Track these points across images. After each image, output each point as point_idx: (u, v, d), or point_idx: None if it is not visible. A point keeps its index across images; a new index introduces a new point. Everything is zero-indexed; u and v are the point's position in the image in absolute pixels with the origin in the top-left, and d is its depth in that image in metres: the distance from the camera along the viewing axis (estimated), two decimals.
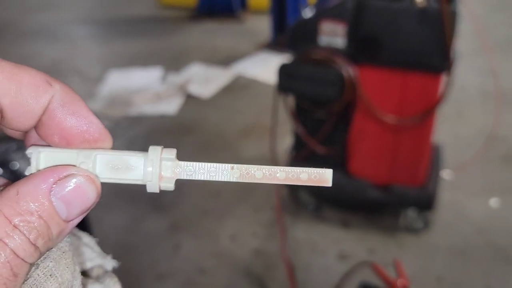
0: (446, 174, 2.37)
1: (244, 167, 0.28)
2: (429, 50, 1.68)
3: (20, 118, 0.25)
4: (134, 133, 2.86)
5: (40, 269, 0.25)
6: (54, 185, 0.24)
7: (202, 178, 0.27)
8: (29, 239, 0.23)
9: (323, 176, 0.28)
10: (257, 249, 1.99)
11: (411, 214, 2.03)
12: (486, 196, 2.25)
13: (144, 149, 0.28)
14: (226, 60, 3.86)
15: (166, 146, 0.28)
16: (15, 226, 0.23)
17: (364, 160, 2.01)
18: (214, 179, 0.27)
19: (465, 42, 3.53)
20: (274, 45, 3.87)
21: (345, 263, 1.89)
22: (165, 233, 2.09)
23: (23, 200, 0.23)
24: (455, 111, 2.96)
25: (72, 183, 0.25)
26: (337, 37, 1.75)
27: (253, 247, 2.00)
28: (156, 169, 0.26)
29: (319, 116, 1.91)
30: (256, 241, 2.03)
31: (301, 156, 2.05)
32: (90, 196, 0.25)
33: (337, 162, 2.04)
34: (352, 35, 1.73)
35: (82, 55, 4.15)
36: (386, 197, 1.99)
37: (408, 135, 1.89)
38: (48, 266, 0.25)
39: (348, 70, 1.74)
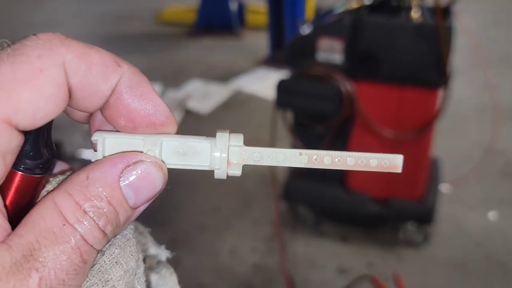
0: (444, 187, 2.38)
1: (312, 152, 0.26)
2: (425, 65, 1.71)
3: (88, 99, 0.24)
4: None
5: (106, 256, 0.25)
6: (123, 172, 0.24)
7: (269, 164, 0.26)
8: (98, 225, 0.23)
9: (393, 162, 0.27)
10: (257, 264, 1.99)
11: (410, 228, 2.03)
12: (484, 209, 2.26)
13: None
14: (224, 76, 3.89)
15: None
16: (85, 212, 0.23)
17: (362, 175, 2.02)
18: (281, 165, 0.26)
19: (461, 57, 3.57)
20: (272, 61, 3.90)
21: (344, 278, 1.89)
22: (164, 248, 2.08)
23: (93, 185, 0.23)
24: (453, 125, 2.98)
25: (140, 170, 0.24)
26: (334, 53, 1.78)
27: (253, 262, 1.99)
28: (224, 154, 0.26)
29: (318, 132, 1.93)
30: (256, 256, 2.03)
31: (300, 171, 2.06)
32: (157, 183, 0.25)
33: (335, 177, 2.05)
34: (350, 51, 1.76)
35: None
36: (385, 211, 2.00)
37: (407, 149, 1.90)
38: (114, 253, 0.25)
39: (346, 86, 1.76)
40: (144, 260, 0.29)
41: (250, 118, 3.21)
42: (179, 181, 2.29)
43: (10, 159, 0.23)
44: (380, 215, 2.02)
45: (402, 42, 1.70)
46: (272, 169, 2.15)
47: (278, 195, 2.12)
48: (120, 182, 0.24)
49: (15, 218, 0.23)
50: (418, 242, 2.05)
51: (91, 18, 5.76)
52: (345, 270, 1.94)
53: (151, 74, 3.96)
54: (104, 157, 0.25)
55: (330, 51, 1.78)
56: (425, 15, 1.73)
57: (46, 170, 0.26)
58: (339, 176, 2.05)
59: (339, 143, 1.94)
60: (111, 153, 0.25)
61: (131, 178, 0.24)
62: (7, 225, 0.23)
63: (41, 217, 0.22)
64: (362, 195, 2.02)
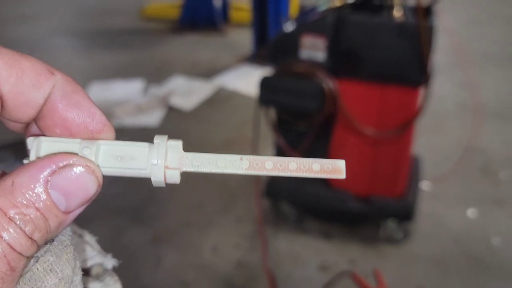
0: (425, 185, 2.41)
1: (253, 158, 0.26)
2: (407, 64, 1.72)
3: (20, 108, 0.24)
4: None
5: (40, 263, 0.24)
6: (51, 175, 0.23)
7: (209, 171, 0.26)
8: (25, 232, 0.22)
9: (336, 166, 0.26)
10: (239, 260, 1.99)
11: (391, 225, 2.06)
12: (464, 207, 2.30)
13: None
14: (207, 73, 3.87)
15: None
16: (10, 219, 0.22)
17: None
18: (222, 172, 0.26)
19: (443, 56, 3.61)
20: (256, 58, 3.91)
21: (326, 274, 1.91)
22: (147, 245, 2.08)
23: (19, 191, 0.22)
24: (434, 123, 3.02)
25: (70, 173, 0.23)
26: (317, 51, 1.78)
27: (235, 259, 2.00)
28: (162, 160, 0.25)
29: (301, 129, 1.94)
30: (238, 253, 2.03)
31: None
32: (90, 187, 0.24)
33: None
34: (332, 49, 1.77)
35: (61, 68, 4.11)
36: (366, 208, 2.02)
37: (388, 147, 1.93)
38: (48, 260, 0.24)
39: (329, 83, 1.77)
40: (89, 270, 0.29)
41: (233, 115, 3.21)
42: None
43: None
44: (362, 212, 2.04)
45: (384, 40, 1.71)
46: None
47: (261, 192, 2.12)
48: (48, 187, 0.23)
49: None
50: (399, 239, 2.08)
51: (75, 13, 5.69)
52: (327, 267, 1.96)
53: (134, 69, 3.93)
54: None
55: (313, 48, 1.78)
56: (407, 14, 1.75)
57: None
58: None
59: (322, 140, 1.95)
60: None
61: (60, 182, 0.23)
62: None
63: None
64: (344, 192, 2.03)
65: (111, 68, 4.03)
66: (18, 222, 0.22)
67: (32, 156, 0.25)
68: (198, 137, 2.97)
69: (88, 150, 0.25)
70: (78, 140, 0.25)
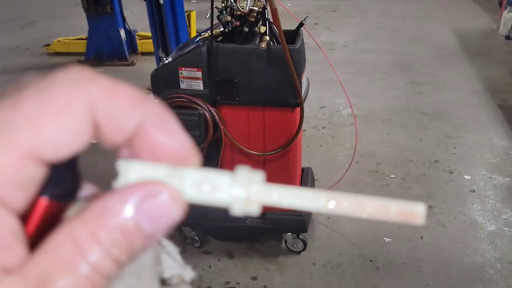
0: None
1: (333, 195, 0.25)
2: (279, 88, 1.84)
3: (113, 133, 0.25)
4: None
5: (121, 285, 0.25)
6: (140, 202, 0.24)
7: (288, 205, 0.26)
8: (111, 254, 0.23)
9: (414, 210, 0.24)
10: None
11: (289, 237, 2.16)
12: None
13: None
14: None
15: None
16: (99, 241, 0.23)
17: None
18: (299, 208, 0.26)
19: (338, 69, 3.83)
20: None
21: None
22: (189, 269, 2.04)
23: (108, 215, 0.24)
24: (330, 134, 3.20)
25: (158, 201, 0.25)
26: (196, 80, 1.87)
27: None
28: (244, 191, 0.26)
29: None
30: None
31: None
32: (174, 214, 0.25)
33: None
34: (209, 78, 1.85)
35: None
36: (263, 224, 2.11)
37: (275, 164, 2.03)
38: (129, 281, 0.25)
39: (210, 112, 1.85)
40: (166, 281, 0.30)
41: None
42: None
43: (33, 190, 0.24)
44: (260, 228, 2.13)
45: (255, 66, 1.82)
46: None
47: None
48: (136, 212, 0.24)
49: (37, 245, 0.23)
50: (299, 250, 2.18)
51: None
52: (232, 287, 2.02)
53: None
54: (126, 185, 0.25)
55: (191, 79, 1.86)
56: (274, 40, 1.88)
57: (69, 197, 0.26)
58: None
59: (214, 163, 2.02)
60: (134, 181, 0.25)
61: (148, 209, 0.24)
62: (25, 254, 0.23)
63: (57, 245, 0.23)
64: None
65: None
66: (106, 245, 0.23)
67: (122, 180, 0.26)
68: (105, 170, 2.96)
69: (174, 177, 0.25)
70: (165, 166, 0.26)
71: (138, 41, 4.93)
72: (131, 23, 5.03)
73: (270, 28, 1.88)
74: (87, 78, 0.25)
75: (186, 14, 3.82)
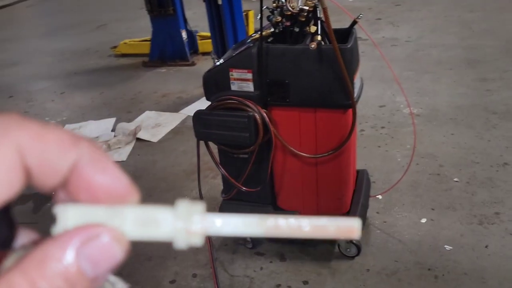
0: (377, 197, 2.47)
1: (268, 219, 0.26)
2: (331, 88, 1.79)
3: (46, 177, 0.25)
4: None
5: None
6: (80, 246, 0.24)
7: (230, 233, 0.26)
8: None
9: (350, 226, 0.26)
10: None
11: (342, 242, 2.11)
12: (416, 215, 2.34)
13: None
14: (177, 104, 3.96)
15: None
16: None
17: (290, 194, 2.09)
18: (242, 234, 0.26)
19: (400, 66, 3.70)
20: None
21: None
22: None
23: (49, 262, 0.23)
24: (389, 134, 3.08)
25: (99, 243, 0.24)
26: (246, 82, 1.86)
27: None
28: (185, 224, 0.26)
29: (242, 156, 2.00)
30: (196, 283, 2.07)
31: (231, 197, 2.13)
32: (117, 254, 0.25)
33: (266, 199, 2.11)
34: (260, 79, 1.84)
35: (36, 110, 4.22)
36: None
37: (328, 167, 1.98)
38: None
39: (260, 113, 1.84)
40: None
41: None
42: None
43: None
44: None
45: (306, 67, 1.78)
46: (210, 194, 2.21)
47: None
48: (78, 257, 0.24)
49: None
50: (352, 255, 2.12)
51: (53, 57, 5.81)
52: None
53: (106, 108, 4.02)
54: (65, 230, 0.25)
55: (241, 80, 1.86)
56: (326, 40, 1.83)
57: (5, 246, 0.26)
58: (270, 198, 2.12)
59: (265, 165, 2.00)
60: (73, 225, 0.25)
61: (89, 252, 0.24)
62: None
63: None
64: (294, 213, 2.08)
65: (84, 108, 4.12)
66: None
67: (60, 225, 0.25)
68: (163, 168, 3.04)
69: (114, 217, 0.25)
70: (103, 207, 0.26)
71: (199, 42, 5.02)
72: (193, 24, 5.14)
73: (322, 28, 1.83)
74: (15, 124, 0.24)
75: (244, 13, 3.83)
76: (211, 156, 2.03)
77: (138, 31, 5.89)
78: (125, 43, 5.35)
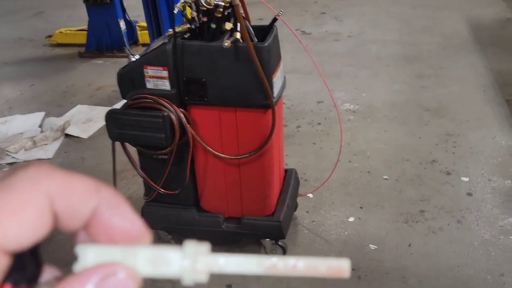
0: (308, 195, 2.44)
1: (267, 260, 0.29)
2: (249, 88, 1.72)
3: (71, 221, 0.28)
4: None
5: None
6: (99, 282, 0.26)
7: (232, 272, 0.29)
8: None
9: (341, 267, 0.29)
10: None
11: (267, 243, 2.06)
12: (345, 214, 2.33)
13: None
14: (112, 98, 3.80)
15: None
16: None
17: (213, 196, 2.02)
18: (243, 272, 0.29)
19: (341, 61, 3.69)
20: None
21: None
22: None
23: None
24: (324, 131, 3.06)
25: (115, 280, 0.27)
26: (162, 80, 1.76)
27: None
28: (192, 263, 0.28)
29: (160, 157, 1.91)
30: None
31: (152, 198, 2.04)
32: None
33: (189, 201, 2.04)
34: (176, 77, 1.75)
35: None
36: (240, 229, 2.01)
37: (251, 168, 1.92)
38: None
39: (177, 113, 1.75)
40: None
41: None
42: None
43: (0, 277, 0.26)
44: (237, 234, 2.03)
45: (222, 65, 1.71)
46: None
47: None
48: None
49: None
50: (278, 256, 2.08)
51: None
52: None
53: (37, 101, 3.81)
54: (85, 268, 0.28)
55: (158, 78, 1.76)
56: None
57: (31, 282, 0.28)
58: (193, 199, 2.04)
59: (184, 166, 1.92)
60: (92, 263, 0.28)
61: (107, 287, 0.27)
62: None
63: None
64: (217, 216, 2.02)
65: (12, 101, 3.88)
66: None
67: (81, 264, 0.28)
68: (92, 166, 2.90)
69: (129, 256, 0.28)
70: (119, 247, 0.28)
71: (139, 32, 4.85)
72: (134, 14, 4.95)
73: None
74: (45, 175, 0.27)
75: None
76: (128, 157, 1.93)
77: (79, 20, 5.60)
78: (61, 32, 5.09)
